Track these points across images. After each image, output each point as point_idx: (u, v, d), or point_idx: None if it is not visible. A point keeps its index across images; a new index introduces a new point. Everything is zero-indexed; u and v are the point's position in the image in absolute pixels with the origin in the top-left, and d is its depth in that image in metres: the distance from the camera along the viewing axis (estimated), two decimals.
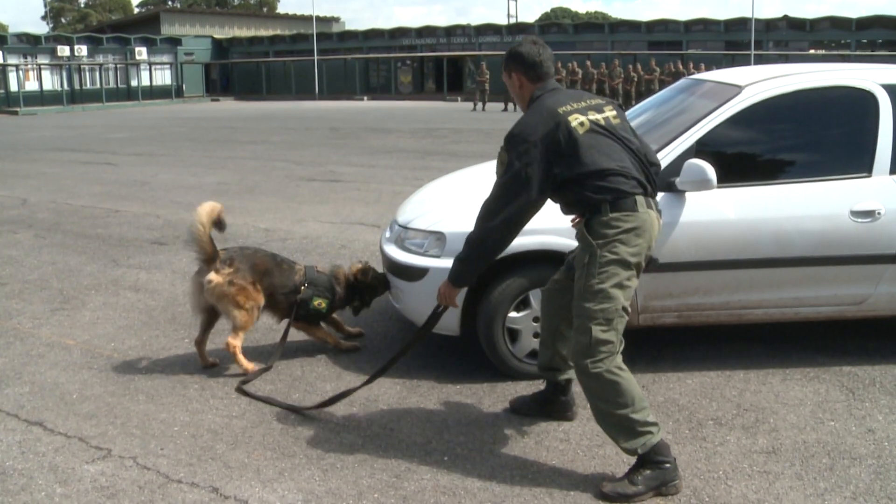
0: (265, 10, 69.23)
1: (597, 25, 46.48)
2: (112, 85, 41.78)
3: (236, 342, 4.41)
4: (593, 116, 3.19)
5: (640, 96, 29.41)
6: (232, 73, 49.58)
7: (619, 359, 3.15)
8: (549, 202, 3.32)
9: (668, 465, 3.16)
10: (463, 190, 4.81)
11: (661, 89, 21.93)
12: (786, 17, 38.07)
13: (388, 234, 4.82)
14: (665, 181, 4.17)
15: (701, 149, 4.23)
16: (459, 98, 39.29)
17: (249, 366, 4.41)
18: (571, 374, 3.67)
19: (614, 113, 3.29)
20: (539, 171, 3.11)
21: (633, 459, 3.26)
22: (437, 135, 19.63)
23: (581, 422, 3.83)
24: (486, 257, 3.34)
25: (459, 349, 4.64)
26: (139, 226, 8.57)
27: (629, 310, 3.21)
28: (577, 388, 3.65)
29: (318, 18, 46.82)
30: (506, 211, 3.17)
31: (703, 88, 4.90)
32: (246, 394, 4.15)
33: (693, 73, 27.03)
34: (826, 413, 3.92)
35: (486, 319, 4.16)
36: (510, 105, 30.60)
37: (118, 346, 4.91)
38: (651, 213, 3.17)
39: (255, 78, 47.74)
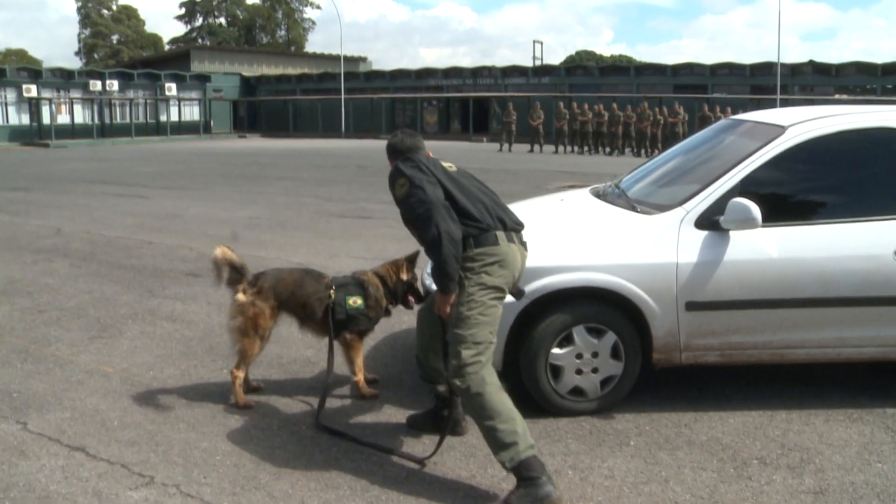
0: (293, 48, 70.43)
1: (622, 68, 46.72)
2: (141, 119, 42.51)
3: (239, 373, 4.43)
4: (452, 166, 3.67)
5: (666, 140, 29.49)
6: (259, 111, 50.28)
7: (488, 377, 3.37)
8: (583, 239, 3.80)
9: (540, 481, 3.24)
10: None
11: (685, 133, 22.07)
12: (811, 62, 38.11)
13: (429, 269, 4.83)
14: (709, 220, 4.19)
15: (745, 188, 4.24)
16: (485, 139, 39.51)
17: (242, 400, 4.40)
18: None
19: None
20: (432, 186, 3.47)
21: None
22: None
23: (625, 459, 3.80)
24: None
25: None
26: (173, 257, 8.66)
27: (494, 335, 3.46)
28: None
29: (346, 58, 47.47)
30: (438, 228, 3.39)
31: (745, 128, 4.93)
32: (326, 429, 4.07)
33: (720, 117, 27.17)
34: (872, 455, 3.86)
35: (530, 355, 4.15)
36: (536, 147, 30.78)
37: (157, 375, 4.94)
38: (512, 246, 3.49)
39: (282, 115, 48.35)
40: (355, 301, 4.43)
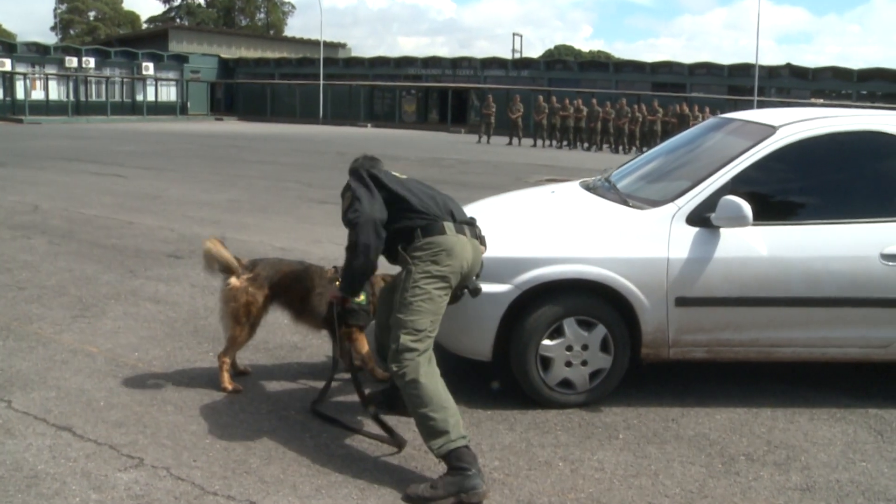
0: (272, 32, 69.78)
1: (602, 64, 46.92)
2: (117, 98, 41.97)
3: (227, 358, 4.42)
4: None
5: (644, 137, 29.66)
6: (237, 93, 49.82)
7: (424, 365, 3.42)
8: (575, 232, 3.92)
9: (469, 473, 3.27)
10: (497, 217, 4.82)
11: (663, 131, 22.16)
12: (789, 66, 38.53)
13: None
14: (700, 216, 4.22)
15: (735, 186, 4.28)
16: (463, 130, 39.51)
17: (231, 385, 4.37)
18: None
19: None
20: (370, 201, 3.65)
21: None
22: (443, 164, 19.72)
23: (614, 452, 3.83)
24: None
25: (487, 374, 4.63)
26: (154, 238, 8.57)
27: (436, 324, 3.53)
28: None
29: (325, 44, 47.10)
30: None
31: (734, 127, 4.98)
32: (319, 415, 4.07)
33: (698, 116, 27.31)
34: (857, 454, 3.93)
35: (520, 346, 4.16)
36: (515, 139, 30.82)
37: (142, 356, 4.89)
38: (461, 237, 3.58)
39: (260, 99, 47.97)
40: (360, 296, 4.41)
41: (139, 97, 43.03)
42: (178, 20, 70.15)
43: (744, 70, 37.63)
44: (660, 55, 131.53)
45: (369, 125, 42.60)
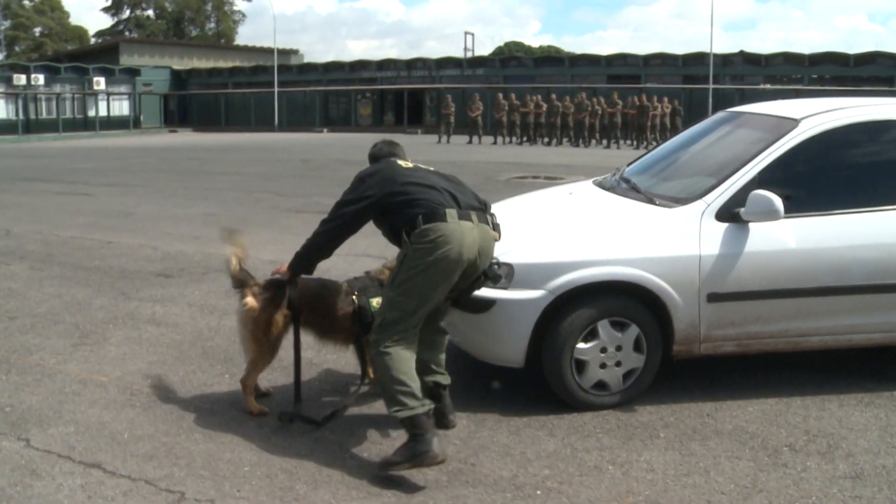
0: (223, 41, 68.88)
1: (556, 59, 47.15)
2: (69, 115, 41.04)
3: (249, 381, 4.29)
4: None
5: (604, 129, 29.84)
6: (190, 105, 49.10)
7: (401, 341, 3.62)
8: (606, 233, 4.14)
9: (422, 437, 3.46)
10: (521, 222, 4.76)
11: (623, 122, 22.23)
12: (742, 53, 39.12)
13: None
14: (729, 212, 4.21)
15: (761, 180, 4.27)
16: (420, 131, 39.42)
17: (256, 408, 4.26)
18: (441, 378, 4.01)
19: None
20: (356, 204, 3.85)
21: None
22: None
23: (660, 451, 3.79)
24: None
25: (514, 380, 4.56)
26: (137, 258, 8.34)
27: (422, 308, 3.62)
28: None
29: (278, 51, 46.64)
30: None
31: (752, 121, 4.98)
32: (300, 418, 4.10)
33: (657, 107, 27.53)
34: (894, 437, 3.94)
35: (555, 350, 4.10)
36: (475, 138, 30.81)
37: (156, 383, 4.73)
38: (464, 223, 3.60)
39: (214, 109, 47.33)
40: (379, 302, 4.29)
41: (91, 113, 42.13)
42: (127, 33, 68.81)
43: (698, 59, 38.10)
44: (608, 47, 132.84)
45: (325, 130, 42.28)
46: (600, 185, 5.25)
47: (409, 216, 3.64)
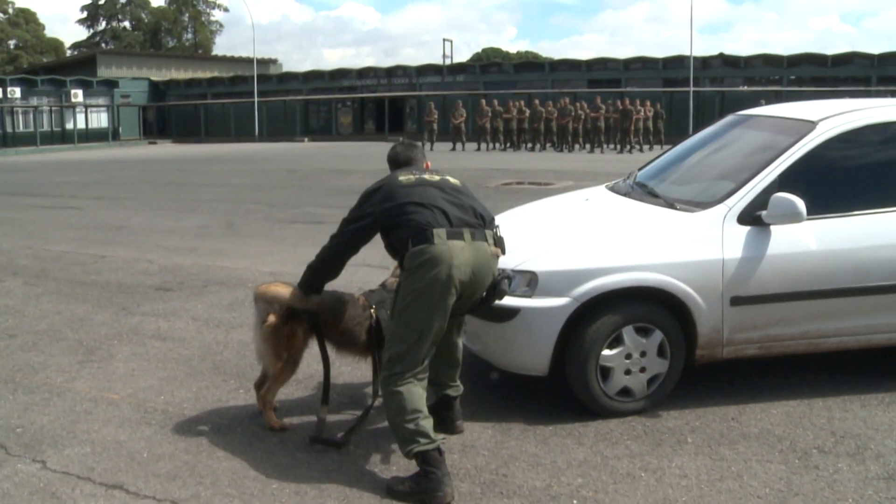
0: (201, 51, 68.49)
1: (537, 64, 47.30)
2: (46, 128, 40.65)
3: (270, 397, 4.21)
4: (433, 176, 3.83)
5: (587, 134, 29.93)
6: (169, 116, 48.79)
7: (408, 377, 3.51)
8: (629, 239, 4.15)
9: (433, 476, 3.38)
10: (540, 229, 4.73)
11: (606, 126, 22.30)
12: (721, 55, 39.45)
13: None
14: (751, 215, 4.20)
15: (781, 183, 4.26)
16: (402, 139, 39.25)
17: (277, 424, 4.19)
18: (452, 391, 4.04)
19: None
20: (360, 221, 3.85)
21: None
22: None
23: (690, 457, 3.76)
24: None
25: (532, 388, 4.52)
26: (134, 271, 8.22)
27: (427, 334, 3.50)
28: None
29: (257, 60, 46.45)
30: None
31: (765, 124, 4.99)
32: (319, 441, 3.98)
33: (640, 111, 27.65)
34: None
35: (580, 357, 4.06)
36: (459, 145, 30.80)
37: (169, 400, 4.64)
38: (453, 243, 3.48)
39: (194, 120, 47.04)
40: None
41: (69, 125, 41.72)
42: (103, 45, 68.23)
43: (678, 62, 38.39)
44: (585, 52, 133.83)
45: (306, 140, 42.12)
46: (615, 190, 5.23)
47: (401, 238, 3.59)
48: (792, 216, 4.09)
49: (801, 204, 4.05)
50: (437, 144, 31.15)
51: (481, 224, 3.69)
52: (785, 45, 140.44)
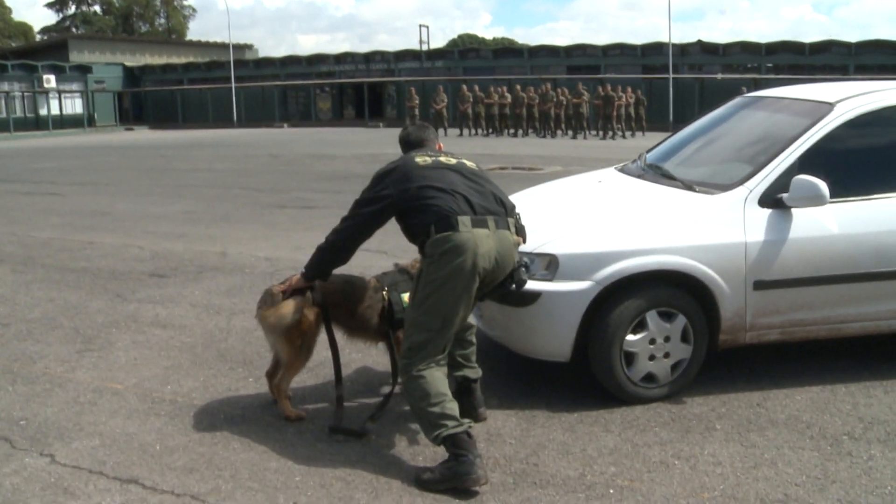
0: (174, 36, 67.46)
1: (516, 51, 47.13)
2: (19, 114, 39.85)
3: (284, 385, 4.09)
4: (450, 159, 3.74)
5: (569, 120, 29.85)
6: (145, 102, 48.06)
7: (430, 363, 3.43)
8: (649, 222, 4.03)
9: (464, 459, 3.27)
10: (558, 209, 4.62)
11: (589, 113, 22.17)
12: (699, 42, 39.50)
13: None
14: (772, 198, 4.13)
15: (801, 165, 4.18)
16: (381, 124, 39.09)
17: (293, 413, 4.07)
18: (470, 372, 3.94)
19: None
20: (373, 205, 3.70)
21: None
22: (384, 159, 18.99)
23: (721, 444, 3.68)
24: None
25: (550, 374, 4.43)
26: (125, 258, 8.02)
27: (451, 323, 3.43)
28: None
29: (234, 46, 45.85)
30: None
31: (779, 105, 4.91)
32: (339, 430, 3.86)
33: (621, 97, 27.59)
34: None
35: (604, 343, 3.97)
36: (440, 130, 30.59)
37: (176, 390, 4.49)
38: (479, 231, 3.40)
39: (170, 106, 46.38)
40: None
41: (42, 111, 40.94)
42: (73, 30, 66.98)
43: (657, 49, 38.37)
44: (560, 38, 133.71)
45: (285, 125, 41.72)
46: (627, 172, 5.14)
47: (422, 224, 3.48)
48: (814, 199, 4.02)
49: (823, 186, 3.98)
50: None
51: (503, 211, 3.60)
52: (758, 33, 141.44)
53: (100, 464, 3.61)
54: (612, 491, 3.28)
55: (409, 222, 3.58)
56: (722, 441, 3.72)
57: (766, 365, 4.63)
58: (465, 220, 3.41)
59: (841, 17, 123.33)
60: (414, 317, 3.50)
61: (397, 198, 3.57)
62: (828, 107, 4.40)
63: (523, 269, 3.71)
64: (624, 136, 28.57)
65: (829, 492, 3.28)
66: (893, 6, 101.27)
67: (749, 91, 6.31)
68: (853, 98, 4.43)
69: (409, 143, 3.97)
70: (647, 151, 5.42)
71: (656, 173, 4.83)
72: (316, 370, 4.71)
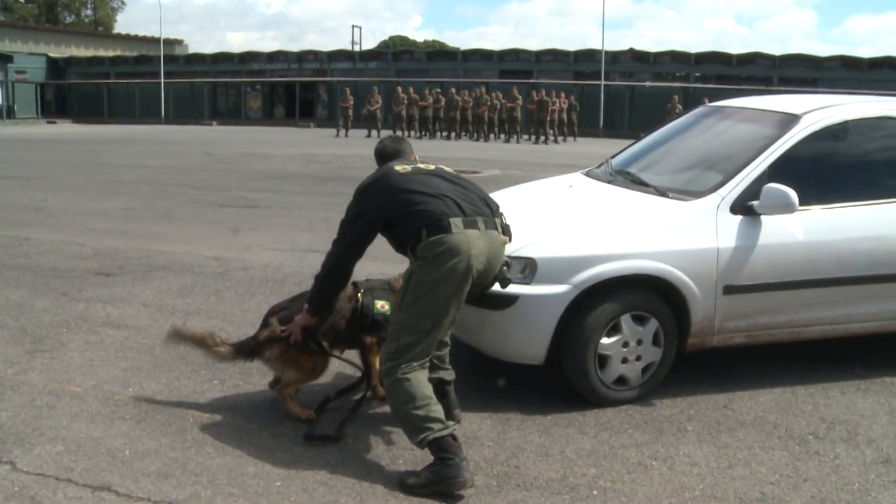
0: (101, 29, 65.46)
1: (449, 53, 47.32)
2: None
3: (287, 391, 4.04)
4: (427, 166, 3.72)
5: (502, 124, 30.07)
6: (69, 94, 46.52)
7: (414, 365, 3.41)
8: (624, 227, 4.09)
9: (450, 462, 3.26)
10: (532, 213, 4.64)
11: (522, 118, 22.32)
12: (631, 50, 40.37)
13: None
14: (743, 205, 4.24)
15: (770, 174, 4.31)
16: (312, 124, 38.73)
17: (304, 413, 4.00)
18: (445, 374, 3.91)
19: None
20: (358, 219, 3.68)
21: None
22: (320, 161, 19.08)
23: (694, 445, 3.77)
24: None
25: (521, 377, 4.45)
26: (66, 255, 7.73)
27: (439, 326, 3.44)
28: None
29: (164, 41, 44.78)
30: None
31: (744, 116, 5.04)
32: (315, 437, 3.79)
33: (555, 102, 27.90)
34: None
35: (579, 346, 4.01)
36: (374, 131, 30.46)
37: (139, 392, 4.35)
38: (469, 232, 3.41)
39: (96, 100, 44.99)
40: (383, 306, 4.02)
41: None
42: None
43: (589, 55, 39.08)
44: (490, 43, 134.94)
45: (214, 123, 40.95)
46: (595, 177, 5.20)
47: (412, 229, 3.45)
48: (784, 206, 4.15)
49: (793, 195, 4.11)
50: (352, 131, 30.72)
51: (490, 212, 3.61)
52: (683, 42, 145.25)
53: (67, 470, 3.46)
54: (595, 492, 3.31)
55: (398, 230, 3.54)
56: (695, 442, 3.81)
57: (728, 367, 4.75)
58: (456, 222, 3.41)
59: (762, 30, 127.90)
60: (402, 319, 3.46)
61: (383, 208, 3.55)
62: (794, 118, 4.55)
63: (506, 267, 3.72)
64: (556, 142, 28.96)
65: (803, 490, 3.39)
66: (809, 22, 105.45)
67: (681, 101, 6.47)
68: (818, 111, 4.59)
69: (386, 155, 3.95)
70: (613, 157, 5.50)
71: (626, 179, 4.90)
72: None
